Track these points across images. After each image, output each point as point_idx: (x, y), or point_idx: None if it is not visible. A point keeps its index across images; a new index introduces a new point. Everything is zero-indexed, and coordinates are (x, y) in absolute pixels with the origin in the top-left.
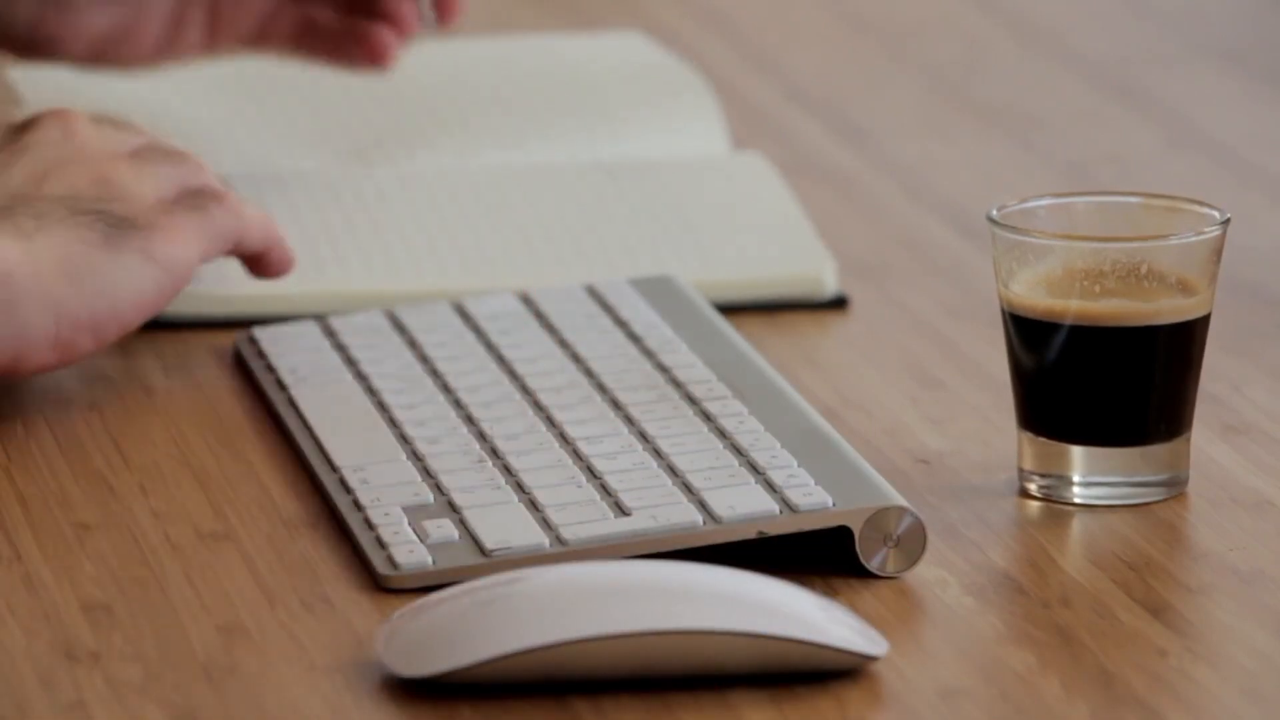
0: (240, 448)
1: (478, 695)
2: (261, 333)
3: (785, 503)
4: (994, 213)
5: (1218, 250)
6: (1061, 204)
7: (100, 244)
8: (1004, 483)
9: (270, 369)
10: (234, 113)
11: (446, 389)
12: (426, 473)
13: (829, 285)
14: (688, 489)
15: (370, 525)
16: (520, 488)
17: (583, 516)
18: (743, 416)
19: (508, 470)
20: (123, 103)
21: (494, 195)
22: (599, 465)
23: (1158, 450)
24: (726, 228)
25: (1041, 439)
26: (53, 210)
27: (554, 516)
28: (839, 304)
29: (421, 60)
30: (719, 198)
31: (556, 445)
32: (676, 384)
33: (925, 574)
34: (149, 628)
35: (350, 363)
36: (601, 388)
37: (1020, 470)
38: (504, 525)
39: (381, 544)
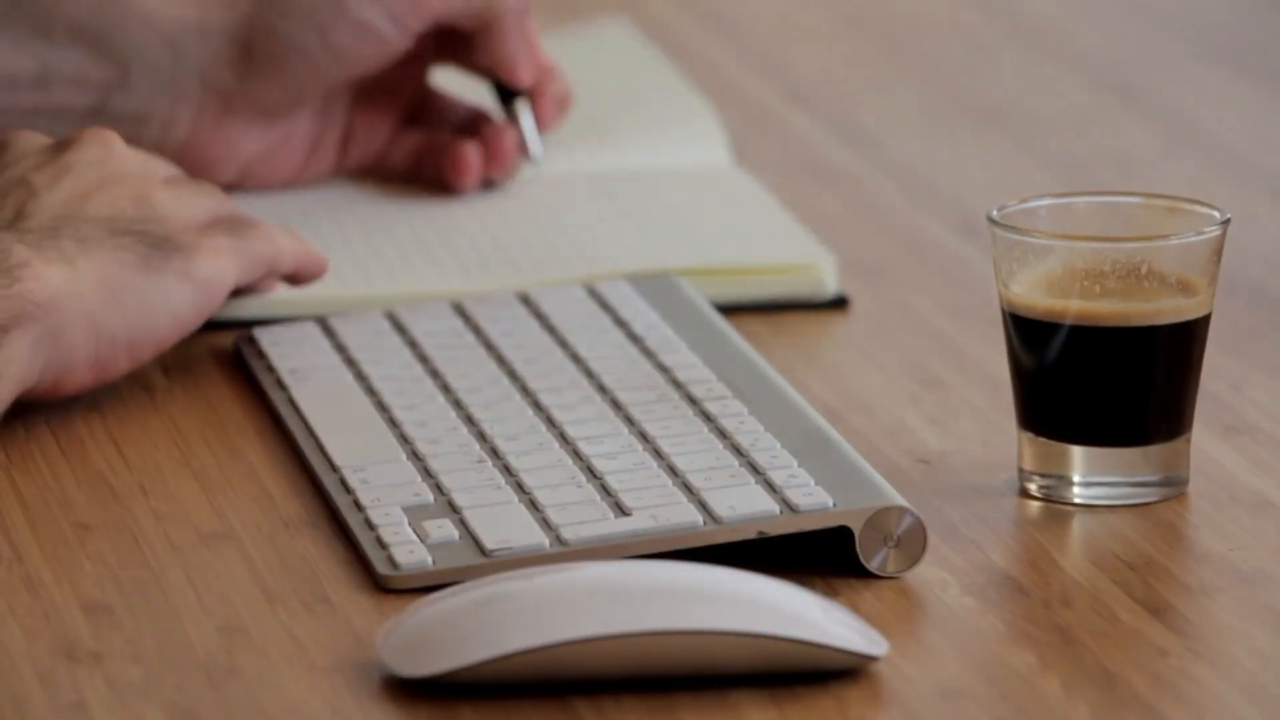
0: (240, 448)
1: (478, 695)
2: (261, 333)
3: (785, 503)
4: (994, 213)
5: (1218, 250)
6: (1061, 204)
7: (140, 266)
8: (1004, 483)
9: (270, 369)
10: None
11: (446, 389)
12: (427, 473)
13: (830, 285)
14: (688, 489)
15: (370, 525)
16: (520, 488)
17: (583, 516)
18: (743, 416)
19: (508, 470)
20: None
21: (495, 201)
22: (599, 465)
23: (1158, 450)
24: (726, 230)
25: (1042, 439)
26: (94, 232)
27: (554, 516)
28: (839, 304)
29: None
30: (715, 205)
31: (556, 445)
32: (677, 384)
33: (925, 574)
34: (149, 628)
35: (350, 363)
36: (601, 388)
37: (1020, 470)
38: (504, 525)
39: (382, 544)
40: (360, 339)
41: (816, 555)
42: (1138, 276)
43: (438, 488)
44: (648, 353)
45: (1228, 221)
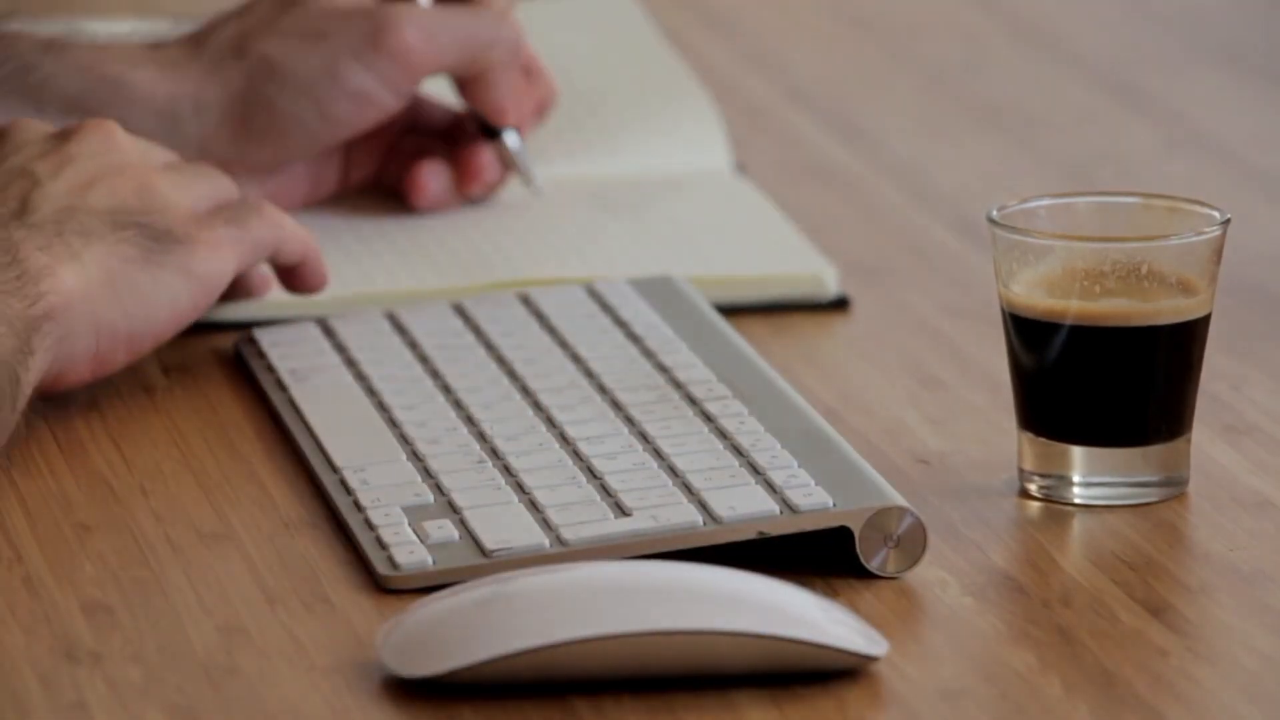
0: (240, 448)
1: (478, 695)
2: (261, 333)
3: (785, 503)
4: (994, 213)
5: (1218, 250)
6: (1061, 204)
7: (141, 260)
8: (1004, 483)
9: (270, 369)
10: None
11: (446, 389)
12: (427, 473)
13: (830, 285)
14: (688, 489)
15: (370, 526)
16: (520, 488)
17: (583, 517)
18: (743, 417)
19: (508, 471)
20: None
21: (493, 211)
22: (599, 466)
23: (1158, 450)
24: (726, 243)
25: (1041, 439)
26: (96, 225)
27: (554, 517)
28: (840, 305)
29: None
30: (714, 215)
31: (556, 445)
32: (677, 384)
33: (925, 574)
34: (149, 628)
35: (350, 363)
36: (602, 388)
37: (1020, 470)
38: (504, 525)
39: (382, 544)
40: (360, 339)
41: (816, 555)
42: (1138, 276)
43: (438, 488)
44: (648, 353)
45: (1228, 221)
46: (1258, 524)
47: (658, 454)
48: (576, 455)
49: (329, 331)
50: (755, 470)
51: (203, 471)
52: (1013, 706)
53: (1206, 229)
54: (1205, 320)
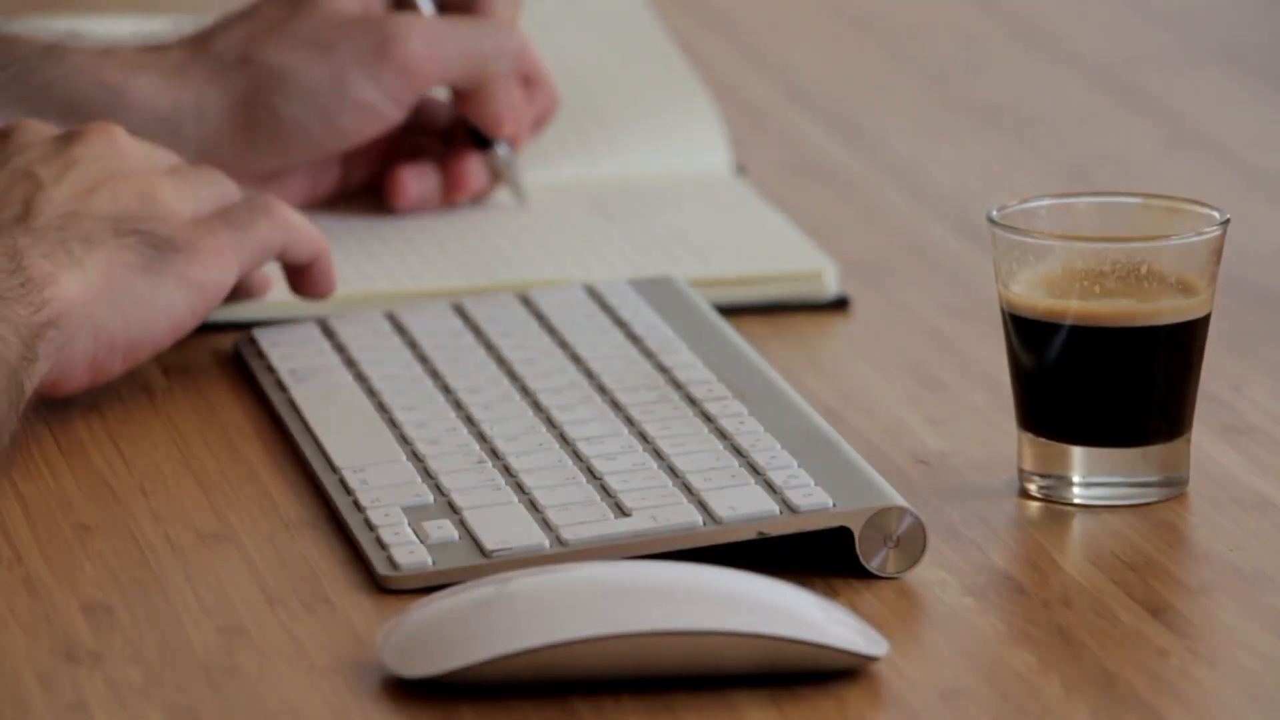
0: (240, 448)
1: (478, 695)
2: (261, 333)
3: (785, 503)
4: (994, 213)
5: (1218, 250)
6: (1061, 204)
7: (141, 268)
8: (1004, 483)
9: (270, 369)
10: None
11: (446, 389)
12: (427, 473)
13: (830, 285)
14: (688, 489)
15: (370, 526)
16: (520, 488)
17: (583, 517)
18: (743, 417)
19: (508, 471)
20: None
21: (491, 215)
22: (599, 466)
23: (1158, 450)
24: (726, 232)
25: (1041, 439)
26: (98, 231)
27: (554, 517)
28: (840, 305)
29: None
30: (714, 219)
31: (556, 446)
32: (677, 385)
33: (925, 574)
34: (149, 629)
35: (350, 363)
36: (601, 388)
37: (1020, 470)
38: (504, 526)
39: (382, 544)
40: (360, 339)
41: (816, 555)
42: (1138, 277)
43: (438, 488)
44: (648, 353)
45: (1228, 222)
46: (1258, 524)
47: (657, 454)
48: (576, 455)
49: (329, 332)
50: (755, 470)
51: (202, 472)
52: (1013, 706)
53: (1206, 229)
54: (1205, 320)
